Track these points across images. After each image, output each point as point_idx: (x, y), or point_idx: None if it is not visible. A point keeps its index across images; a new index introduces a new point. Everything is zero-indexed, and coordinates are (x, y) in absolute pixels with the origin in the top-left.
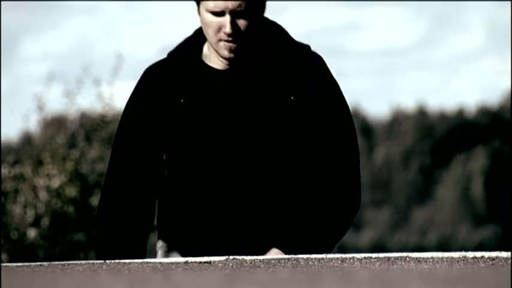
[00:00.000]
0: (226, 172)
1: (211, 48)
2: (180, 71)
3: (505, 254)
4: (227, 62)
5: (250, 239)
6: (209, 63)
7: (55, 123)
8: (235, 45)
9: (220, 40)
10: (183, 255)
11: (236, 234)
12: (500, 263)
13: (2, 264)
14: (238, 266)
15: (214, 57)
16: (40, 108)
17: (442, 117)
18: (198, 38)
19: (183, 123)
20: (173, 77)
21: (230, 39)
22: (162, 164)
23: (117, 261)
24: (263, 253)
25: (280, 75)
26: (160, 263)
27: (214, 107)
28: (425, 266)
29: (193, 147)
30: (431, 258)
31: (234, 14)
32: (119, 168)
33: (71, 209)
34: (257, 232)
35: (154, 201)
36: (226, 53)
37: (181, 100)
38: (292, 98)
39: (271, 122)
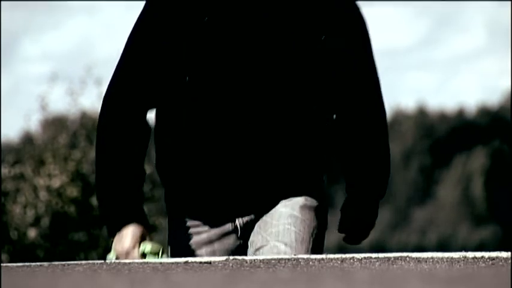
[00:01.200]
0: (245, 96)
1: None
2: None
3: (505, 254)
4: None
5: (262, 173)
6: None
7: (56, 123)
8: None
9: None
10: (185, 200)
11: (249, 165)
12: (500, 263)
13: (2, 264)
14: (238, 266)
15: None
16: (43, 108)
17: (442, 117)
18: None
19: (205, 42)
20: None
21: None
22: (173, 83)
23: (117, 261)
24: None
25: (311, 7)
26: (161, 263)
27: (240, 27)
28: (425, 266)
29: (213, 68)
30: (431, 258)
31: None
32: (127, 80)
33: (72, 209)
34: (271, 168)
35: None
36: None
37: (206, 18)
38: (323, 37)
39: (298, 51)
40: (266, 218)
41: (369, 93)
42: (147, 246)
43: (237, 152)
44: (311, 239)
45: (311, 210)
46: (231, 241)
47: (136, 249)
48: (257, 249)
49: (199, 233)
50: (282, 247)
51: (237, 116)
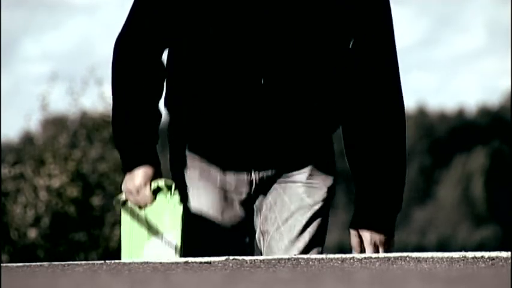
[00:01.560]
0: (269, 51)
1: None
2: None
3: (505, 254)
4: None
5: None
6: None
7: (56, 123)
8: None
9: None
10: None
11: (268, 116)
12: (500, 263)
13: (2, 264)
14: (238, 266)
15: None
16: (43, 108)
17: (442, 117)
18: None
19: (220, 8)
20: None
21: None
22: (195, 31)
23: (117, 261)
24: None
25: None
26: (161, 263)
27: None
28: (425, 266)
29: (239, 22)
30: (431, 258)
31: None
32: (142, 19)
33: (72, 209)
34: (283, 132)
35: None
36: None
37: None
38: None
39: (314, 22)
40: (284, 196)
41: (390, 85)
42: (159, 181)
43: (257, 103)
44: (320, 241)
45: (328, 203)
46: (243, 194)
47: (147, 187)
48: (266, 233)
49: (210, 172)
50: (295, 252)
51: (259, 69)
